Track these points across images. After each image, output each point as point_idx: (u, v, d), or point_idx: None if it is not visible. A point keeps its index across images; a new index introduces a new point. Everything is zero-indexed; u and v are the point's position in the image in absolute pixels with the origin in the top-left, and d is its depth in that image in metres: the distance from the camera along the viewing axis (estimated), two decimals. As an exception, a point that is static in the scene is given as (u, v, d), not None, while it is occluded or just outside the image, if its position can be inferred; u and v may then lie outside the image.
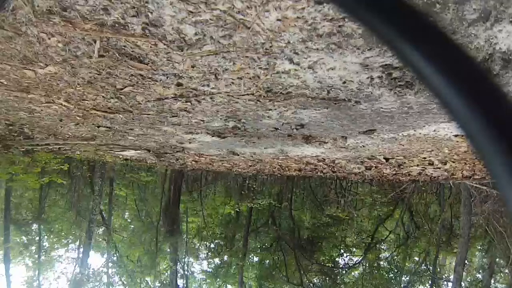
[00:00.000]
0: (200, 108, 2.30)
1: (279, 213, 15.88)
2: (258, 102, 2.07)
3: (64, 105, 2.49)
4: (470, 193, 9.18)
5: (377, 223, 14.79)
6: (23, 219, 14.82)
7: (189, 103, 2.21)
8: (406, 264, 14.57)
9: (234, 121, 2.64)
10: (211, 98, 2.08)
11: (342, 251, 15.09)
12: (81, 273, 14.41)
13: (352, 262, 14.96)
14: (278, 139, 3.20)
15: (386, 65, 1.54)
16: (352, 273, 14.84)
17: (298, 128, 2.67)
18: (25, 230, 14.59)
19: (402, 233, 14.78)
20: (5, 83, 2.15)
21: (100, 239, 15.94)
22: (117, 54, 1.61)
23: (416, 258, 14.54)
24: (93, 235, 14.63)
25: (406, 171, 4.26)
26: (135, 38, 1.44)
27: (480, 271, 13.08)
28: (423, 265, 14.16)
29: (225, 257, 15.64)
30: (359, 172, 4.63)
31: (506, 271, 11.38)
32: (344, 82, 1.73)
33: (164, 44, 1.47)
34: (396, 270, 14.48)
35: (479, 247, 13.31)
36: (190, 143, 3.83)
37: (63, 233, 15.72)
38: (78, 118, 2.91)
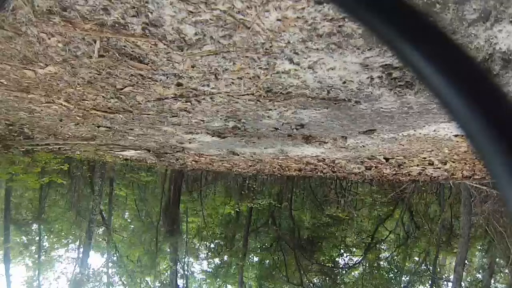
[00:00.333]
0: (200, 108, 2.30)
1: (279, 213, 15.88)
2: (258, 102, 2.07)
3: (64, 105, 2.49)
4: (470, 193, 9.18)
5: (377, 223, 14.79)
6: (23, 219, 14.81)
7: (189, 103, 2.21)
8: (406, 264, 14.57)
9: (234, 121, 2.64)
10: (211, 98, 2.08)
11: (342, 251, 15.10)
12: (81, 273, 14.41)
13: (352, 262, 14.96)
14: (278, 139, 3.20)
15: (386, 65, 1.54)
16: (352, 273, 14.84)
17: (298, 128, 2.67)
18: (25, 230, 14.59)
19: (402, 233, 14.78)
20: (5, 83, 2.15)
21: (100, 239, 15.95)
22: (117, 54, 1.61)
23: (416, 258, 14.54)
24: (93, 235, 14.63)
25: (406, 171, 4.26)
26: (135, 38, 1.44)
27: (480, 271, 13.08)
28: (423, 265, 14.16)
29: (225, 257, 15.64)
30: (359, 172, 4.63)
31: (506, 271, 11.38)
32: (344, 82, 1.73)
33: (164, 44, 1.47)
34: (396, 270, 14.48)
35: (479, 247, 13.31)
36: (190, 143, 3.83)
37: (63, 233, 15.72)
38: (78, 118, 2.91)
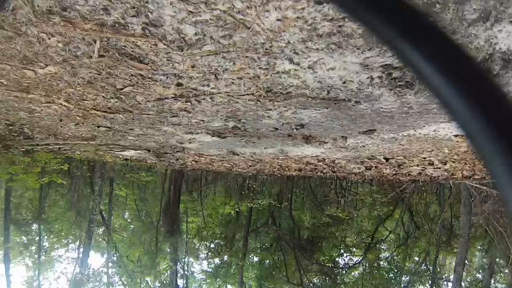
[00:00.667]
0: (200, 108, 2.30)
1: (279, 213, 15.88)
2: (258, 102, 2.07)
3: (64, 105, 2.49)
4: (470, 193, 9.18)
5: (377, 223, 14.79)
6: (23, 219, 14.81)
7: (189, 103, 2.21)
8: (406, 264, 14.57)
9: (234, 121, 2.64)
10: (211, 98, 2.08)
11: (342, 251, 15.10)
12: (81, 273, 14.41)
13: (352, 262, 14.96)
14: (278, 139, 3.20)
15: (386, 65, 1.54)
16: (352, 273, 14.84)
17: (298, 128, 2.67)
18: (25, 230, 14.59)
19: (402, 233, 14.78)
20: (5, 83, 2.15)
21: (100, 239, 15.95)
22: (117, 54, 1.61)
23: (416, 258, 14.54)
24: (93, 235, 14.63)
25: (406, 171, 4.26)
26: (135, 38, 1.44)
27: (480, 271, 13.08)
28: (423, 265, 14.16)
29: (225, 257, 15.64)
30: (359, 172, 4.63)
31: (506, 271, 11.38)
32: (344, 82, 1.73)
33: (164, 44, 1.47)
34: (396, 270, 14.48)
35: (479, 247, 13.31)
36: (190, 143, 3.83)
37: (63, 233, 15.72)
38: (78, 118, 2.91)
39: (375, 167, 4.26)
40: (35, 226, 15.05)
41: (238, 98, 2.04)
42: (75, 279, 14.27)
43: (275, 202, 14.89)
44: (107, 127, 3.20)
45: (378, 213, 15.17)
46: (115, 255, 15.68)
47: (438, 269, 13.69)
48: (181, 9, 1.26)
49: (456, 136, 2.69)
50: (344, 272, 14.75)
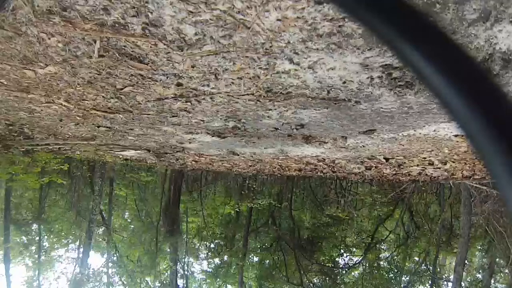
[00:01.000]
0: (200, 108, 2.30)
1: (279, 213, 15.88)
2: (258, 102, 2.07)
3: (64, 105, 2.49)
4: (470, 193, 9.18)
5: (377, 223, 14.79)
6: (23, 219, 14.81)
7: (189, 103, 2.21)
8: (406, 264, 14.57)
9: (234, 121, 2.64)
10: (211, 98, 2.08)
11: (342, 251, 15.09)
12: (81, 273, 14.41)
13: (352, 262, 14.96)
14: (278, 139, 3.20)
15: (386, 65, 1.54)
16: (352, 273, 14.83)
17: (298, 128, 2.67)
18: (25, 230, 14.58)
19: (402, 233, 14.78)
20: (5, 83, 2.15)
21: (100, 239, 15.95)
22: (117, 54, 1.61)
23: (416, 258, 14.54)
24: (93, 235, 14.63)
25: (406, 171, 4.26)
26: (135, 38, 1.44)
27: (480, 271, 13.08)
28: (423, 265, 14.16)
29: (225, 257, 15.64)
30: (359, 172, 4.63)
31: (506, 271, 11.38)
32: (344, 82, 1.73)
33: (164, 44, 1.47)
34: (396, 270, 14.47)
35: (479, 247, 13.31)
36: (190, 143, 3.83)
37: (63, 233, 15.72)
38: (78, 118, 2.91)
39: (375, 167, 4.26)
40: (35, 226, 15.05)
41: (238, 98, 2.04)
42: (75, 279, 14.28)
43: (275, 202, 14.89)
44: (107, 127, 3.20)
45: (378, 213, 15.17)
46: (115, 255, 15.68)
47: (438, 269, 13.69)
48: (181, 9, 1.26)
49: (456, 136, 2.69)
50: (344, 272, 14.75)
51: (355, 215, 14.49)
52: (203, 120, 2.66)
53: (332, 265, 14.76)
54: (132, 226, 17.14)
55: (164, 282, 14.82)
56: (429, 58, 0.22)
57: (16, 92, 2.29)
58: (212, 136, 3.21)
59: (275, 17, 1.26)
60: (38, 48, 1.63)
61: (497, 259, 11.88)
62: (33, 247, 14.65)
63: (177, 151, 4.68)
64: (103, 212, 15.72)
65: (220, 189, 17.81)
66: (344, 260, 15.09)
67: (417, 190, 12.69)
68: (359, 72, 1.61)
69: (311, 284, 14.36)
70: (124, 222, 17.54)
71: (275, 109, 2.23)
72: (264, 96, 1.96)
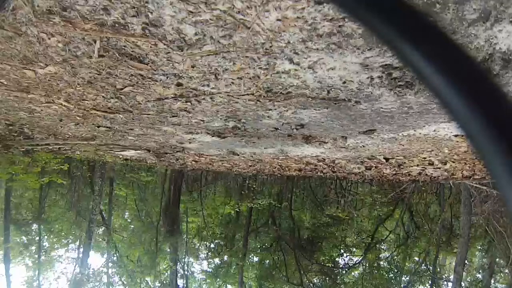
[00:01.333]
0: (200, 108, 2.30)
1: (279, 213, 15.88)
2: (258, 102, 2.07)
3: (64, 105, 2.49)
4: (470, 193, 9.18)
5: (377, 223, 14.79)
6: (23, 219, 14.82)
7: (189, 103, 2.21)
8: (406, 264, 14.57)
9: (234, 121, 2.64)
10: (211, 98, 2.08)
11: (342, 251, 15.10)
12: (81, 273, 14.41)
13: (352, 262, 14.96)
14: (278, 139, 3.20)
15: (386, 65, 1.54)
16: (352, 273, 14.84)
17: (298, 128, 2.67)
18: (25, 230, 14.59)
19: (402, 233, 14.78)
20: (5, 83, 2.15)
21: (100, 239, 15.95)
22: (117, 54, 1.61)
23: (416, 258, 14.54)
24: (93, 235, 14.63)
25: (406, 171, 4.26)
26: (135, 38, 1.44)
27: (480, 271, 13.08)
28: (423, 265, 14.16)
29: (225, 257, 15.64)
30: (359, 172, 4.63)
31: (506, 271, 11.38)
32: (344, 82, 1.73)
33: (164, 44, 1.48)
34: (396, 270, 14.48)
35: (479, 247, 13.31)
36: (190, 143, 3.83)
37: (63, 233, 15.72)
38: (78, 118, 2.91)
39: (375, 167, 4.26)
40: (35, 226, 15.06)
41: (238, 98, 2.04)
42: (75, 279, 14.28)
43: (275, 202, 14.89)
44: (107, 127, 3.20)
45: (378, 213, 15.17)
46: (115, 255, 15.68)
47: (438, 269, 13.70)
48: (181, 9, 1.26)
49: (456, 136, 2.69)
50: (344, 272, 14.75)
51: (355, 215, 14.49)
52: (203, 120, 2.66)
53: (332, 265, 14.76)
54: (132, 226, 17.14)
55: (164, 282, 14.82)
56: (429, 58, 0.22)
57: (16, 92, 2.29)
58: (212, 136, 3.21)
59: (275, 17, 1.26)
60: (38, 48, 1.63)
61: (497, 259, 11.88)
62: (33, 247, 14.66)
63: (177, 151, 4.68)
64: (103, 212, 15.72)
65: (220, 189, 17.82)
66: (344, 260, 15.11)
67: (417, 190, 12.70)
68: (359, 72, 1.61)
69: (311, 284, 14.36)
70: (124, 222, 17.55)
71: (275, 109, 2.23)
72: (264, 96, 1.96)
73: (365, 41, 1.37)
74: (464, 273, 11.13)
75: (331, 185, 14.88)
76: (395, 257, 14.57)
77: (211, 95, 2.03)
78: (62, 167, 8.75)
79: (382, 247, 15.23)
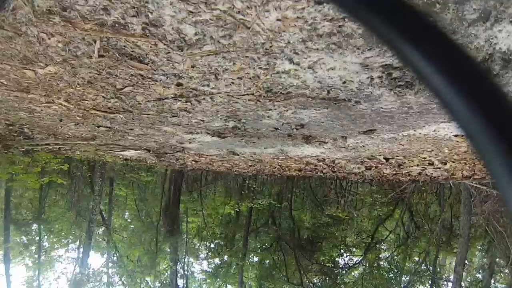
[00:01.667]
0: (200, 108, 2.30)
1: (279, 213, 15.88)
2: (258, 102, 2.07)
3: (64, 105, 2.49)
4: (470, 193, 9.18)
5: (377, 223, 14.80)
6: (23, 219, 14.82)
7: (189, 103, 2.21)
8: (406, 264, 14.57)
9: (234, 121, 2.64)
10: (211, 98, 2.08)
11: (342, 251, 15.10)
12: (81, 273, 14.41)
13: (352, 262, 14.96)
14: (278, 139, 3.20)
15: (386, 65, 1.54)
16: (352, 273, 14.84)
17: (298, 128, 2.67)
18: (25, 230, 14.59)
19: (402, 233, 14.78)
20: (5, 83, 2.15)
21: (100, 239, 15.95)
22: (117, 54, 1.61)
23: (416, 258, 14.54)
24: (93, 235, 14.63)
25: (406, 171, 4.26)
26: (135, 38, 1.44)
27: (480, 271, 13.08)
28: (423, 265, 14.16)
29: (225, 257, 15.64)
30: (359, 172, 4.63)
31: (506, 271, 11.38)
32: (344, 82, 1.73)
33: (164, 44, 1.48)
34: (396, 270, 14.48)
35: (479, 247, 13.31)
36: (190, 143, 3.83)
37: (63, 233, 15.72)
38: (78, 118, 2.91)
39: (375, 167, 4.26)
40: (35, 226, 15.05)
41: (238, 98, 2.04)
42: (75, 279, 14.28)
43: (275, 202, 14.89)
44: (107, 127, 3.20)
45: (378, 213, 15.17)
46: (115, 255, 15.68)
47: (438, 269, 13.70)
48: (181, 9, 1.26)
49: (456, 136, 2.69)
50: (344, 272, 14.75)
51: (355, 215, 14.49)
52: (203, 120, 2.66)
53: (332, 265, 14.76)
54: (132, 226, 17.14)
55: (164, 282, 14.82)
56: (429, 58, 0.22)
57: (16, 92, 2.29)
58: (212, 136, 3.21)
59: (275, 17, 1.26)
60: (38, 48, 1.63)
61: (497, 259, 11.88)
62: (33, 247, 14.66)
63: (177, 151, 4.68)
64: (103, 212, 15.72)
65: (220, 189, 17.82)
66: (344, 260, 15.10)
67: (417, 190, 12.70)
68: (359, 72, 1.61)
69: (311, 284, 14.36)
70: (124, 222, 17.54)
71: (275, 109, 2.23)
72: (264, 96, 1.96)
73: (365, 41, 1.37)
74: (464, 273, 11.13)
75: (331, 185, 14.88)
76: (395, 257, 14.57)
77: (211, 95, 2.03)
78: (62, 167, 8.74)
79: (382, 247, 15.23)
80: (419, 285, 14.05)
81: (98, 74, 1.87)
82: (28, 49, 1.66)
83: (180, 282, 14.96)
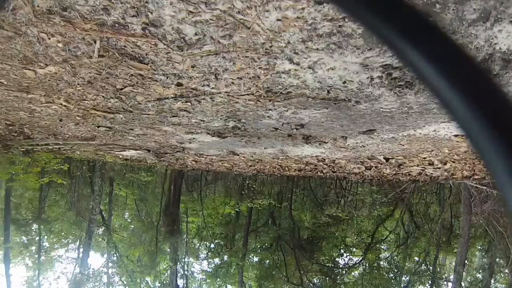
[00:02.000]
0: (200, 108, 2.30)
1: (279, 213, 15.88)
2: (258, 102, 2.07)
3: (64, 105, 2.49)
4: (470, 193, 9.18)
5: (377, 223, 14.79)
6: (23, 219, 14.81)
7: (189, 103, 2.21)
8: (406, 264, 14.57)
9: (234, 121, 2.64)
10: (211, 98, 2.08)
11: (342, 251, 15.09)
12: (81, 273, 14.41)
13: (352, 262, 14.96)
14: (278, 139, 3.20)
15: (386, 65, 1.54)
16: (352, 273, 14.84)
17: (298, 128, 2.67)
18: (25, 230, 14.58)
19: (402, 233, 14.78)
20: (5, 83, 2.15)
21: (100, 239, 15.95)
22: (117, 54, 1.61)
23: (416, 258, 14.55)
24: (93, 235, 14.63)
25: (406, 171, 4.26)
26: (135, 38, 1.44)
27: (480, 271, 13.08)
28: (423, 265, 14.16)
29: (225, 257, 15.64)
30: (359, 172, 4.63)
31: (506, 271, 11.38)
32: (344, 82, 1.73)
33: (164, 44, 1.47)
34: (396, 270, 14.48)
35: (479, 247, 13.31)
36: (190, 143, 3.83)
37: (63, 233, 15.72)
38: (78, 118, 2.91)
39: (375, 167, 4.26)
40: (35, 226, 15.05)
41: (238, 98, 2.04)
42: (75, 279, 14.27)
43: (275, 202, 14.89)
44: (107, 127, 3.20)
45: (378, 213, 15.16)
46: (115, 255, 15.67)
47: (438, 269, 13.70)
48: (181, 9, 1.26)
49: (456, 136, 2.69)
50: (344, 272, 14.75)
51: (355, 215, 14.49)
52: (203, 120, 2.66)
53: (332, 265, 14.76)
54: (132, 226, 17.13)
55: (164, 282, 14.82)
56: (429, 58, 0.22)
57: (16, 92, 2.29)
58: (212, 136, 3.21)
59: (275, 17, 1.26)
60: (38, 48, 1.63)
61: (497, 259, 11.88)
62: (33, 247, 14.65)
63: (177, 151, 4.68)
64: (103, 212, 15.71)
65: (220, 189, 17.81)
66: (344, 260, 15.11)
67: (417, 190, 12.70)
68: (359, 72, 1.61)
69: (311, 284, 14.36)
70: (124, 222, 17.54)
71: (275, 109, 2.23)
72: (264, 96, 1.96)
73: (365, 41, 1.37)
74: (464, 273, 11.13)
75: (331, 185, 14.88)
76: (395, 257, 14.57)
77: (211, 95, 2.03)
78: (62, 167, 8.74)
79: (382, 247, 15.23)
80: (419, 285, 14.05)
81: (98, 74, 1.87)
82: (28, 49, 1.66)
83: (180, 282, 14.96)
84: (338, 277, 14.42)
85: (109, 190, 16.21)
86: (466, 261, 10.86)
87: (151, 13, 1.30)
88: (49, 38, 1.53)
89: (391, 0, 0.24)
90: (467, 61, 0.22)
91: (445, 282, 13.67)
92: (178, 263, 14.75)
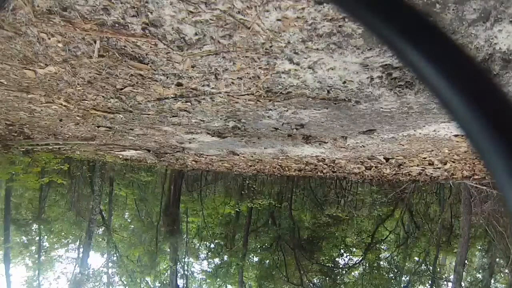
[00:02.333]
0: (200, 108, 2.30)
1: (279, 213, 15.88)
2: (258, 102, 2.07)
3: (64, 105, 2.49)
4: (470, 193, 9.18)
5: (377, 223, 14.79)
6: (23, 219, 14.81)
7: (189, 103, 2.21)
8: (406, 264, 14.57)
9: (234, 121, 2.64)
10: (211, 98, 2.08)
11: (342, 251, 15.09)
12: (81, 273, 14.41)
13: (352, 262, 14.96)
14: (278, 139, 3.20)
15: (386, 65, 1.54)
16: (352, 273, 14.84)
17: (298, 128, 2.67)
18: (25, 230, 14.58)
19: (402, 233, 14.79)
20: (5, 83, 2.15)
21: (100, 239, 15.95)
22: (117, 54, 1.61)
23: (416, 258, 14.55)
24: (93, 235, 14.63)
25: (406, 171, 4.26)
26: (135, 38, 1.44)
27: (480, 271, 13.08)
28: (423, 265, 14.16)
29: (225, 257, 15.63)
30: (359, 172, 4.63)
31: (506, 271, 11.39)
32: (344, 82, 1.73)
33: (164, 44, 1.47)
34: (396, 270, 14.48)
35: (479, 247, 13.31)
36: (190, 143, 3.83)
37: (63, 233, 15.72)
38: (78, 118, 2.91)
39: (375, 167, 4.26)
40: (35, 226, 15.05)
41: (238, 98, 2.04)
42: (75, 279, 14.27)
43: (275, 202, 14.88)
44: (107, 127, 3.20)
45: (378, 213, 15.16)
46: (115, 255, 15.67)
47: (438, 269, 13.70)
48: (181, 9, 1.26)
49: (456, 136, 2.69)
50: (344, 272, 14.75)
51: (355, 215, 14.49)
52: (203, 120, 2.66)
53: (332, 265, 14.76)
54: (132, 226, 17.13)
55: (164, 282, 14.82)
56: (429, 58, 0.22)
57: (16, 92, 2.29)
58: (212, 136, 3.21)
59: (275, 17, 1.26)
60: (38, 48, 1.63)
61: (497, 259, 11.89)
62: (33, 247, 14.65)
63: (177, 151, 4.68)
64: (103, 212, 15.71)
65: (220, 189, 17.80)
66: (344, 260, 15.11)
67: (417, 190, 12.70)
68: (359, 72, 1.61)
69: (311, 284, 14.36)
70: (124, 222, 17.53)
71: (275, 109, 2.23)
72: (264, 96, 1.96)
73: (365, 41, 1.37)
74: (464, 273, 11.13)
75: (331, 185, 14.88)
76: (395, 257, 14.57)
77: (211, 95, 2.03)
78: (62, 167, 8.74)
79: (382, 247, 15.23)
80: (419, 285, 14.05)
81: (98, 74, 1.87)
82: (28, 49, 1.66)
83: (180, 282, 14.96)
84: (338, 277, 14.42)
85: (109, 190, 16.21)
86: (466, 261, 10.86)
87: (151, 13, 1.30)
88: (49, 38, 1.53)
89: (391, 0, 0.24)
90: (467, 61, 0.22)
91: (445, 282, 13.68)
92: (178, 263, 14.76)
